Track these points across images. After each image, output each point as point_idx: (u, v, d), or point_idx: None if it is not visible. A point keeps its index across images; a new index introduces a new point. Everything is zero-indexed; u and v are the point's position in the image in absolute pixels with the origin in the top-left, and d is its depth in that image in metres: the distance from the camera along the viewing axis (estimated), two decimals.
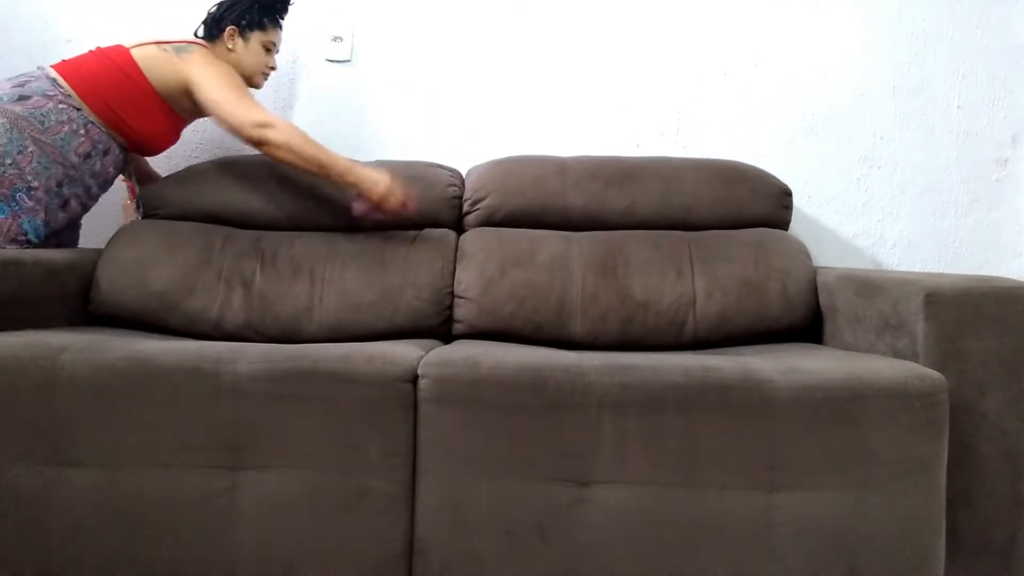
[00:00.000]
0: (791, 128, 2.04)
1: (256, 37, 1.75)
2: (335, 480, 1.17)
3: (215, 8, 1.75)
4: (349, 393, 1.17)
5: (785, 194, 1.81)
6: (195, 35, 1.76)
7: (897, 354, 1.31)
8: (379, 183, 1.63)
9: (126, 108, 1.64)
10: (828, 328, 1.60)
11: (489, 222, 1.77)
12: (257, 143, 1.59)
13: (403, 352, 1.24)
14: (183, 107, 1.69)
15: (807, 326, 1.63)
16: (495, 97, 2.04)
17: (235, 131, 1.60)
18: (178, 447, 1.17)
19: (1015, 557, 1.23)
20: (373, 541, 1.17)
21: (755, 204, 1.78)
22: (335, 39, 2.03)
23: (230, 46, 1.73)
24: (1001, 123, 2.04)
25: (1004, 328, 1.23)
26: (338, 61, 2.04)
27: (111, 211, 1.94)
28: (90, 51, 1.67)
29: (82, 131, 1.60)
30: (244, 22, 1.74)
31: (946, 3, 2.02)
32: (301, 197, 1.75)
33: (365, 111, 2.04)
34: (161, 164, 1.85)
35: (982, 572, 1.23)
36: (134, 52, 1.65)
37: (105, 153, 1.65)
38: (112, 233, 1.71)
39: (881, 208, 2.05)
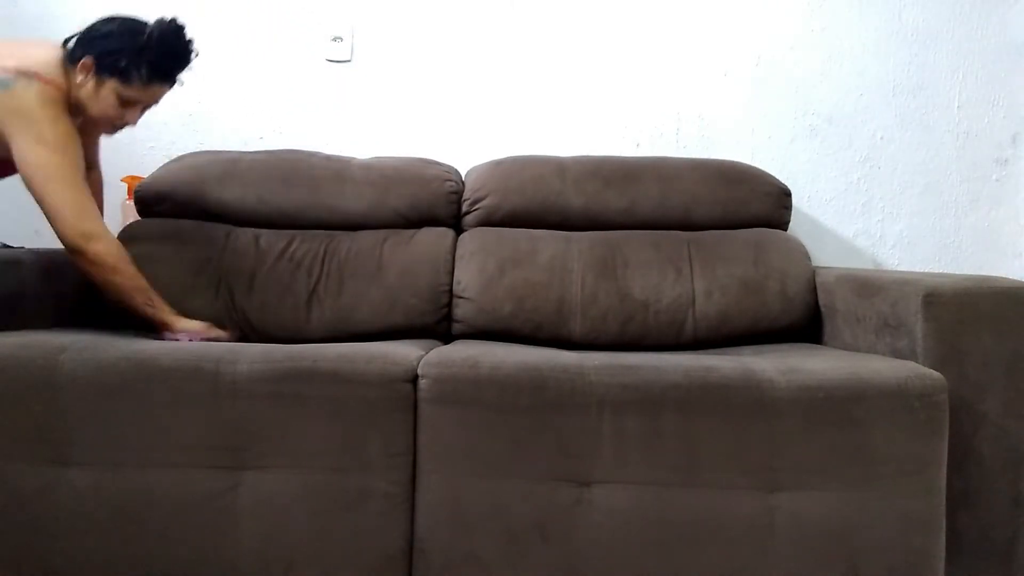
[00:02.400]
0: (791, 128, 2.04)
1: (111, 86, 1.41)
2: (335, 480, 1.17)
3: (88, 28, 1.43)
4: (349, 393, 1.17)
5: (784, 194, 1.81)
6: (63, 46, 1.43)
7: (896, 354, 1.31)
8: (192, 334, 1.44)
9: None
10: (827, 328, 1.60)
11: (488, 222, 1.77)
12: (74, 251, 1.36)
13: (403, 352, 1.24)
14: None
15: (806, 326, 1.63)
16: (495, 97, 2.04)
17: (56, 229, 1.35)
18: (178, 447, 1.17)
19: (1015, 557, 1.23)
20: (373, 541, 1.17)
21: (754, 204, 1.78)
22: (335, 39, 2.03)
23: (78, 80, 1.40)
24: (1001, 123, 2.04)
25: (1004, 328, 1.23)
26: (338, 61, 2.04)
27: (111, 211, 1.94)
28: None
29: None
30: (105, 63, 1.39)
31: (946, 3, 2.02)
32: (300, 195, 1.74)
33: (365, 111, 2.04)
34: (159, 163, 1.85)
35: (982, 572, 1.23)
36: None
37: None
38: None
39: (881, 208, 2.05)
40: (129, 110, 1.45)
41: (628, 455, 1.15)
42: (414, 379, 1.18)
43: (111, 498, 1.17)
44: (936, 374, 1.17)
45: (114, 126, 1.49)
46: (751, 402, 1.14)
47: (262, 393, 1.16)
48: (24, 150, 1.33)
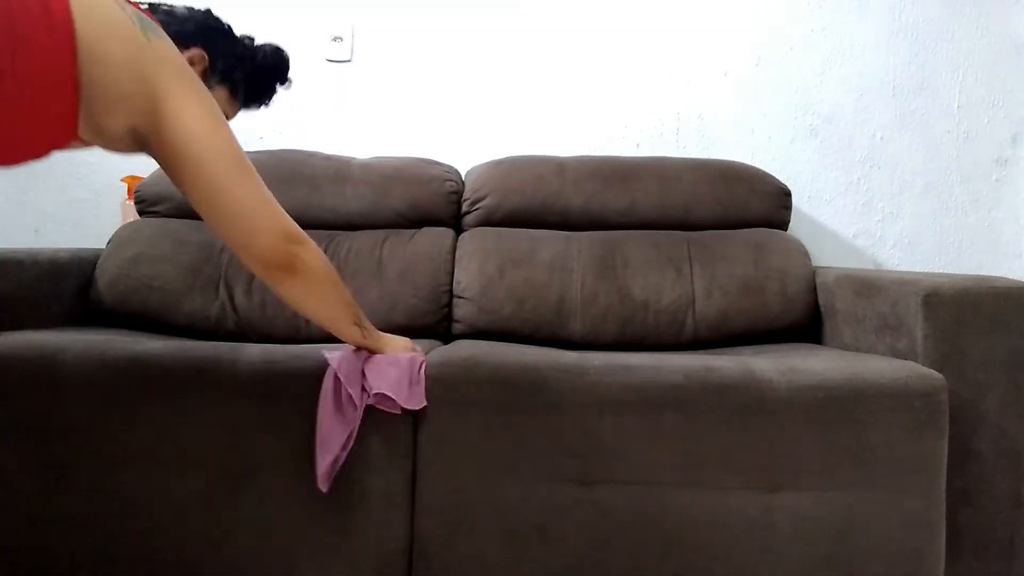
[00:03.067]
0: (791, 128, 2.04)
1: (219, 95, 1.13)
2: (334, 480, 1.17)
3: (198, 14, 1.15)
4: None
5: (784, 194, 1.81)
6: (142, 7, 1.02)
7: (896, 354, 1.31)
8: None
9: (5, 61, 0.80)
10: (827, 328, 1.60)
11: (488, 222, 1.77)
12: (276, 262, 1.03)
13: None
14: (94, 118, 0.90)
15: (806, 326, 1.63)
16: (495, 97, 2.04)
17: (245, 234, 1.00)
18: (179, 449, 1.17)
19: (1015, 556, 1.23)
20: (373, 541, 1.17)
21: (754, 204, 1.78)
22: (335, 39, 2.03)
23: None
24: (1001, 123, 2.04)
25: (1004, 328, 1.23)
26: (338, 61, 2.04)
27: (110, 210, 1.94)
28: None
29: None
30: (223, 65, 1.14)
31: (946, 3, 2.02)
32: (300, 195, 1.74)
33: (365, 111, 2.04)
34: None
35: (982, 572, 1.23)
36: None
37: None
38: (111, 232, 1.71)
39: (881, 208, 2.05)
40: None
41: (628, 455, 1.15)
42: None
43: (112, 499, 1.16)
44: (936, 374, 1.17)
45: None
46: (751, 402, 1.14)
47: (261, 393, 1.16)
48: (197, 119, 0.96)
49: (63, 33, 0.84)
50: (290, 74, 1.26)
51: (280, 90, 1.26)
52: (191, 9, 1.14)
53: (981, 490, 1.22)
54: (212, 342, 1.33)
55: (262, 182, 1.02)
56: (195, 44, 1.10)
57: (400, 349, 1.22)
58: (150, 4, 1.10)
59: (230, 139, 1.00)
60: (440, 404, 1.17)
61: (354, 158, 1.83)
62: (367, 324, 1.18)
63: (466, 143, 2.02)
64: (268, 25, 2.02)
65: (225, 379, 1.16)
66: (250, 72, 1.18)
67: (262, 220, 1.00)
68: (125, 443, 1.17)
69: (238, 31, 1.21)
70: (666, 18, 2.03)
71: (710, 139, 2.04)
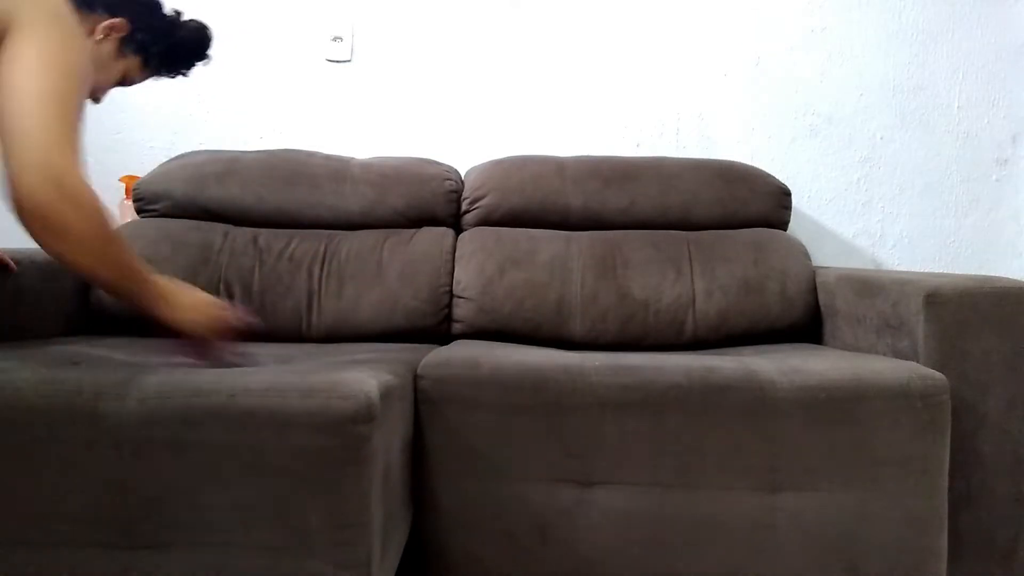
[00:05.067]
0: (791, 128, 2.04)
1: (130, 62, 1.22)
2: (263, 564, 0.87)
3: None
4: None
5: (784, 194, 1.81)
6: None
7: (897, 354, 1.31)
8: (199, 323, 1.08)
9: None
10: (828, 328, 1.60)
11: (488, 221, 1.77)
12: (36, 218, 0.88)
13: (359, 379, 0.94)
14: None
15: (807, 326, 1.63)
16: (495, 97, 2.04)
17: (20, 156, 0.87)
18: (57, 518, 0.85)
19: (1017, 557, 1.23)
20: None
21: (754, 204, 1.78)
22: (335, 39, 2.03)
23: (98, 38, 1.15)
24: (1001, 123, 2.04)
25: (1005, 328, 1.22)
26: (338, 61, 2.03)
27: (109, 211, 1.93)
28: None
29: None
30: (141, 37, 1.21)
31: (946, 3, 2.02)
32: (300, 195, 1.74)
33: (365, 111, 2.04)
34: (157, 162, 1.84)
35: (984, 572, 1.23)
36: None
37: None
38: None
39: (881, 208, 2.05)
40: (109, 90, 1.24)
41: (629, 456, 1.14)
42: (415, 381, 1.17)
43: None
44: (937, 374, 1.17)
45: (97, 98, 1.22)
46: (752, 402, 1.14)
47: (160, 439, 0.85)
48: (28, 42, 0.91)
49: None
50: (209, 51, 1.32)
51: (198, 64, 1.33)
52: None
53: (983, 490, 1.22)
54: (106, 368, 0.99)
55: (76, 106, 0.94)
56: (120, 14, 1.17)
57: (197, 313, 1.08)
58: None
59: (62, 52, 0.94)
60: (440, 404, 1.16)
61: (354, 158, 1.83)
62: (150, 290, 1.03)
63: (466, 143, 2.01)
64: (268, 25, 2.02)
65: (112, 416, 0.84)
66: (167, 46, 1.24)
67: (43, 133, 0.88)
68: None
69: (168, 7, 1.28)
70: (666, 18, 2.03)
71: (710, 139, 2.04)
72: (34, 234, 0.90)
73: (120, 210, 1.89)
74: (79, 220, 0.89)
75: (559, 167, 1.79)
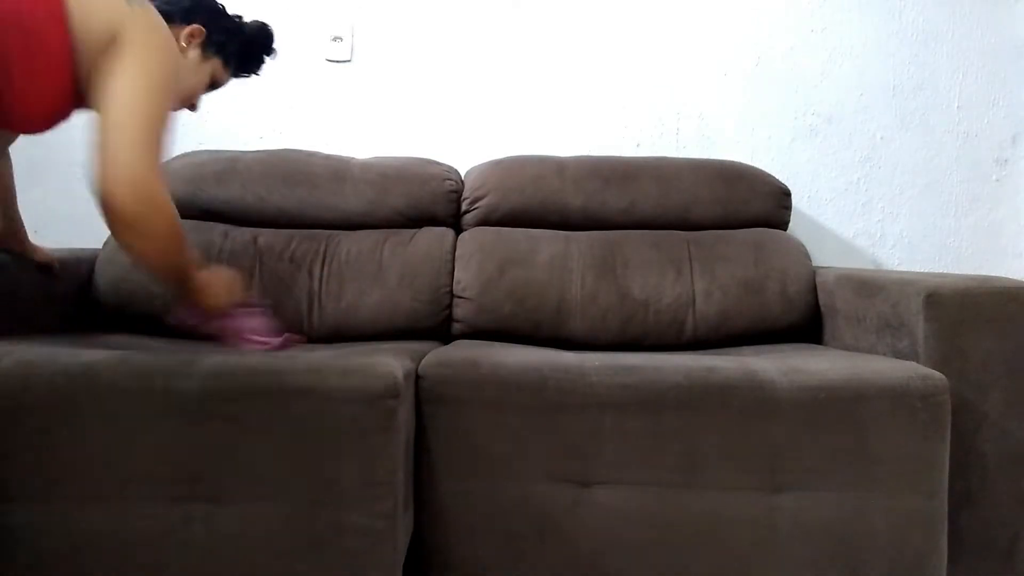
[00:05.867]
0: (791, 128, 2.04)
1: (214, 64, 1.31)
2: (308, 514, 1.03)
3: None
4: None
5: (784, 194, 1.81)
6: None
7: (897, 354, 1.31)
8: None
9: (15, 34, 0.99)
10: (828, 328, 1.60)
11: (488, 221, 1.77)
12: (111, 196, 1.01)
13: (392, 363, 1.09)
14: (88, 77, 1.06)
15: (807, 326, 1.63)
16: (495, 97, 2.04)
17: (111, 167, 1.01)
18: (130, 477, 1.01)
19: (1018, 557, 1.23)
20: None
21: (754, 204, 1.78)
22: (335, 39, 2.03)
23: (183, 45, 1.25)
24: (1001, 123, 2.04)
25: (1005, 328, 1.22)
26: (338, 61, 2.03)
27: None
28: None
29: None
30: (217, 38, 1.30)
31: (946, 3, 2.02)
32: (300, 195, 1.74)
33: (365, 111, 2.04)
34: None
35: (984, 572, 1.23)
36: None
37: None
38: (108, 233, 1.70)
39: (881, 208, 2.05)
40: (202, 95, 1.34)
41: (629, 456, 1.14)
42: (415, 381, 1.18)
43: (50, 536, 1.00)
44: (937, 374, 1.17)
45: (192, 107, 1.34)
46: (752, 402, 1.14)
47: (218, 411, 1.01)
48: (132, 55, 1.04)
49: (57, 15, 1.01)
50: (274, 46, 1.43)
51: (267, 60, 1.43)
52: None
53: (983, 490, 1.22)
54: (166, 349, 1.20)
55: (165, 119, 1.09)
56: (194, 20, 1.26)
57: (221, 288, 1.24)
58: None
59: (160, 65, 1.09)
60: (440, 404, 1.16)
61: (354, 158, 1.83)
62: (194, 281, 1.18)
63: (466, 143, 2.01)
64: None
65: (179, 392, 1.00)
66: (240, 44, 1.34)
67: (130, 141, 1.02)
68: (64, 472, 1.00)
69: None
70: (666, 18, 2.03)
71: (710, 139, 2.04)
72: (116, 234, 1.06)
73: None
74: (158, 225, 1.06)
75: (559, 167, 1.79)
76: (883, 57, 2.03)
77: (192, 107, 1.34)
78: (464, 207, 1.79)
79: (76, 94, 1.08)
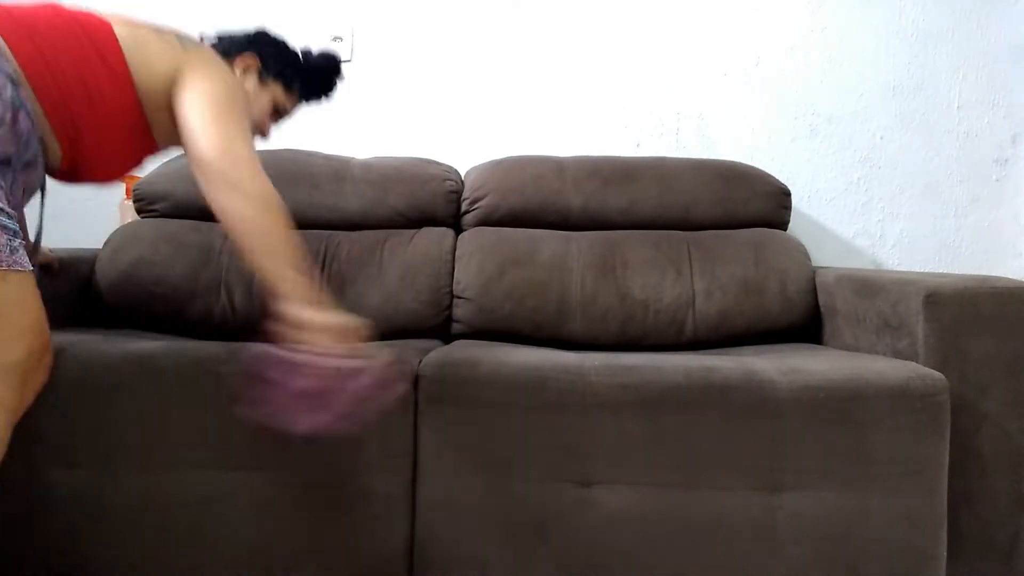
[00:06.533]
0: (791, 128, 2.04)
1: (273, 90, 1.36)
2: (334, 481, 1.17)
3: (251, 32, 1.40)
4: None
5: (784, 194, 1.81)
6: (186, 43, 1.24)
7: (897, 354, 1.31)
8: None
9: (81, 104, 1.09)
10: (828, 328, 1.60)
11: (488, 221, 1.77)
12: (219, 182, 1.10)
13: (405, 356, 1.23)
14: (158, 121, 1.18)
15: (806, 326, 1.63)
16: (495, 97, 2.04)
17: (206, 156, 1.10)
18: (177, 447, 1.17)
19: (1017, 557, 1.23)
20: (373, 540, 1.17)
21: (754, 204, 1.78)
22: (335, 39, 2.03)
23: (238, 73, 1.32)
24: (1001, 123, 2.04)
25: (1004, 328, 1.22)
26: None
27: (109, 210, 1.93)
28: (40, 4, 1.11)
29: (7, 118, 0.98)
30: (273, 64, 1.36)
31: (946, 3, 2.02)
32: (300, 195, 1.74)
33: (365, 111, 2.04)
34: (157, 162, 1.84)
35: (984, 572, 1.23)
36: (118, 30, 1.13)
37: (27, 165, 1.06)
38: (109, 232, 1.70)
39: (881, 208, 2.05)
40: (272, 120, 1.38)
41: (628, 455, 1.15)
42: (415, 381, 1.18)
43: (108, 499, 1.17)
44: (937, 374, 1.17)
45: (259, 133, 1.36)
46: (752, 402, 1.14)
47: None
48: (196, 87, 1.15)
49: (121, 73, 1.12)
50: (343, 69, 1.48)
51: (337, 83, 1.48)
52: (246, 30, 1.40)
53: (982, 490, 1.22)
54: (211, 342, 1.32)
55: (244, 119, 1.17)
56: (247, 52, 1.34)
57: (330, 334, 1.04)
58: (219, 37, 1.38)
59: (225, 91, 1.17)
60: (440, 404, 1.17)
61: (354, 158, 1.83)
62: (305, 281, 1.09)
63: (466, 143, 2.01)
64: (268, 25, 2.02)
65: (224, 379, 1.16)
66: (301, 71, 1.40)
67: (219, 137, 1.11)
68: (121, 444, 1.17)
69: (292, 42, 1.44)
70: (666, 18, 2.03)
71: (710, 139, 2.04)
72: (211, 192, 1.11)
73: (120, 210, 1.90)
74: (252, 183, 1.11)
75: (559, 167, 1.79)
76: (883, 57, 2.03)
77: (263, 134, 1.38)
78: (464, 207, 1.79)
79: (150, 143, 1.24)
